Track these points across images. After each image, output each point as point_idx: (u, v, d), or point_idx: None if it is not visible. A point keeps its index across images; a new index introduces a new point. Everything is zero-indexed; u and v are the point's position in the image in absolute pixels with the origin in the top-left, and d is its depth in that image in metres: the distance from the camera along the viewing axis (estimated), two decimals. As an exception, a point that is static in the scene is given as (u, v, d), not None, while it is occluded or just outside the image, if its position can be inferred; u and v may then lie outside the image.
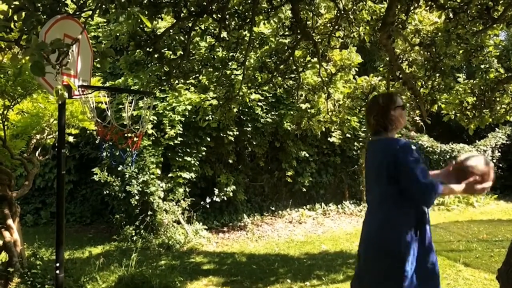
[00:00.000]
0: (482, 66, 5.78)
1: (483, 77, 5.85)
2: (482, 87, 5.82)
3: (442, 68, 5.78)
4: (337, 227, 9.25)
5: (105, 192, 8.13)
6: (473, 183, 2.65)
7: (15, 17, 2.71)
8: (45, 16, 2.76)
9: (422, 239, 2.62)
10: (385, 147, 2.69)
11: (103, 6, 2.57)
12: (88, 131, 6.90)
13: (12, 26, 2.71)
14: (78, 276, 5.09)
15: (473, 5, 4.57)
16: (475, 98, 5.97)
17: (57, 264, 3.30)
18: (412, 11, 5.33)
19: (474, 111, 5.98)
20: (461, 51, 5.56)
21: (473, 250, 6.80)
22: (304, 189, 10.25)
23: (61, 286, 3.35)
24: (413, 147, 2.67)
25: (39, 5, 2.68)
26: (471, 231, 8.32)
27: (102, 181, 7.89)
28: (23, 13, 2.66)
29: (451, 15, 4.77)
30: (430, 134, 13.06)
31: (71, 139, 6.09)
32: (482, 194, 2.83)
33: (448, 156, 12.41)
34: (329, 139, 9.85)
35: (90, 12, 2.68)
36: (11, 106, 4.91)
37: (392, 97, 2.81)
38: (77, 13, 2.88)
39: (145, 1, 3.86)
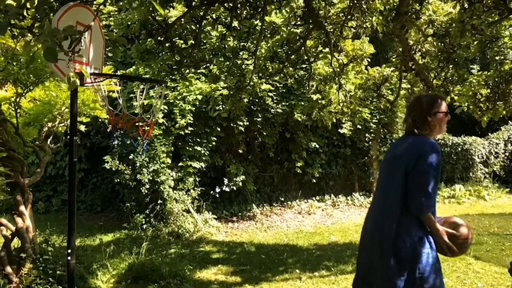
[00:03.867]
0: (497, 58, 5.68)
1: (497, 69, 5.76)
2: (496, 79, 5.74)
3: (456, 59, 5.71)
4: (347, 219, 9.24)
5: (115, 181, 8.19)
6: (445, 239, 2.56)
7: (28, 4, 2.72)
8: (57, 3, 2.76)
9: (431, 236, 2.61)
10: (413, 144, 2.64)
11: (115, -6, 2.56)
12: (99, 120, 6.93)
13: (24, 13, 2.71)
14: (89, 263, 5.15)
15: (489, -5, 4.49)
16: (489, 90, 5.90)
17: (69, 251, 3.33)
18: (426, 1, 5.25)
19: (487, 103, 5.91)
20: (475, 42, 5.48)
21: (484, 244, 6.75)
22: (314, 180, 10.23)
23: (72, 272, 3.39)
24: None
25: (51, -8, 2.68)
26: (482, 224, 8.26)
27: (113, 169, 7.94)
28: (36, 0, 2.67)
29: (466, 5, 4.70)
30: (442, 127, 12.92)
31: (82, 127, 6.13)
32: (441, 252, 2.79)
33: (459, 149, 12.30)
34: (339, 130, 9.79)
35: (102, 0, 2.67)
36: (24, 94, 4.95)
37: (436, 101, 2.70)
38: (90, 0, 2.88)
39: (157, -11, 3.84)
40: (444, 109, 2.69)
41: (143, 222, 7.81)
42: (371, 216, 2.84)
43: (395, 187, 2.63)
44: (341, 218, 9.26)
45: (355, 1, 5.31)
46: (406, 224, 2.57)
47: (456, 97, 6.24)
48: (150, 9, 4.13)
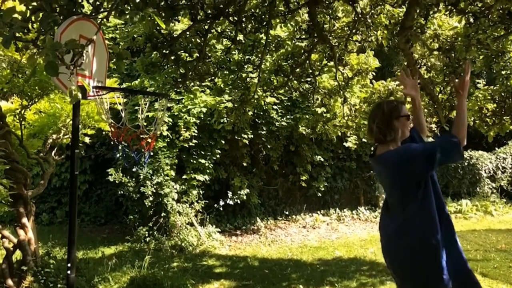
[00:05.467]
0: (503, 72, 5.66)
1: (503, 83, 5.73)
2: (502, 94, 5.71)
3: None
4: (352, 233, 9.15)
5: (119, 193, 8.17)
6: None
7: (33, 18, 2.73)
8: (61, 17, 2.77)
9: (449, 242, 2.57)
10: (388, 162, 2.64)
11: (119, 8, 2.56)
12: (104, 132, 6.95)
13: (29, 26, 2.73)
14: (90, 276, 5.11)
15: (494, 9, 4.48)
16: (495, 105, 5.86)
17: (69, 265, 3.30)
18: (432, 16, 5.24)
19: (494, 118, 5.87)
20: (481, 57, 5.46)
21: (491, 260, 6.64)
22: (319, 194, 10.16)
23: (72, 286, 3.36)
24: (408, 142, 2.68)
25: (56, 6, 2.69)
26: (489, 240, 8.14)
27: (117, 181, 7.93)
28: (41, 14, 2.68)
29: (471, 20, 4.68)
30: (448, 141, 12.83)
31: (87, 139, 6.14)
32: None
33: (466, 163, 12.19)
34: (344, 144, 9.75)
35: (106, 13, 2.68)
36: (29, 106, 4.97)
37: (396, 106, 2.72)
38: (93, 14, 2.89)
39: (162, 3, 3.87)
40: (405, 113, 2.71)
41: (146, 235, 7.77)
42: (382, 234, 2.81)
43: (397, 203, 2.65)
44: (346, 233, 9.17)
45: (360, 15, 5.32)
46: (415, 235, 2.56)
47: (462, 112, 6.18)
48: (155, 23, 4.15)
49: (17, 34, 2.64)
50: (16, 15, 2.58)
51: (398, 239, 2.68)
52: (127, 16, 2.57)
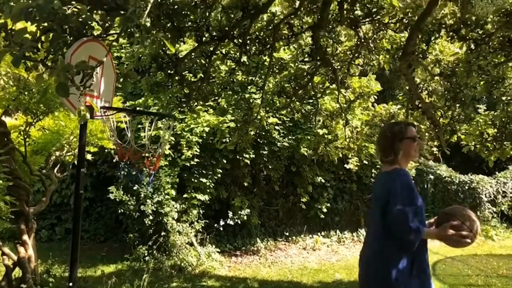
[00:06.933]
0: (504, 98, 5.71)
1: (504, 109, 5.78)
2: (503, 119, 5.76)
3: (463, 99, 5.74)
4: (352, 256, 9.08)
5: (119, 211, 8.15)
6: (447, 229, 2.56)
7: (43, 38, 2.79)
8: (71, 38, 2.83)
9: (418, 274, 2.57)
10: (385, 181, 2.70)
11: (128, 30, 2.62)
12: (106, 150, 6.98)
13: (39, 46, 2.78)
14: (89, 295, 5.08)
15: (495, 37, 4.56)
16: (495, 130, 5.90)
17: (71, 284, 3.29)
18: (433, 41, 5.33)
19: (494, 143, 5.90)
20: (482, 82, 5.52)
21: (493, 286, 6.60)
22: (321, 216, 10.10)
23: (72, 305, 3.35)
24: (411, 183, 2.62)
25: (66, 27, 2.75)
26: (490, 265, 8.08)
27: (117, 199, 7.91)
28: (51, 35, 2.74)
29: (472, 46, 4.76)
30: (449, 164, 12.86)
31: (89, 157, 6.16)
32: (460, 245, 2.59)
33: (466, 187, 12.18)
34: (345, 165, 9.75)
35: (116, 35, 2.74)
36: (33, 123, 5.01)
37: (401, 128, 2.76)
38: (103, 35, 2.95)
39: (168, 25, 3.94)
40: (410, 135, 2.72)
41: (146, 254, 7.72)
42: (363, 256, 2.84)
43: (377, 227, 2.71)
44: (347, 255, 9.11)
45: (363, 40, 5.41)
46: (392, 260, 2.59)
47: (463, 136, 6.24)
48: (162, 43, 4.22)
49: (26, 54, 2.70)
50: (26, 35, 2.64)
51: (367, 266, 2.74)
52: (137, 38, 2.62)
